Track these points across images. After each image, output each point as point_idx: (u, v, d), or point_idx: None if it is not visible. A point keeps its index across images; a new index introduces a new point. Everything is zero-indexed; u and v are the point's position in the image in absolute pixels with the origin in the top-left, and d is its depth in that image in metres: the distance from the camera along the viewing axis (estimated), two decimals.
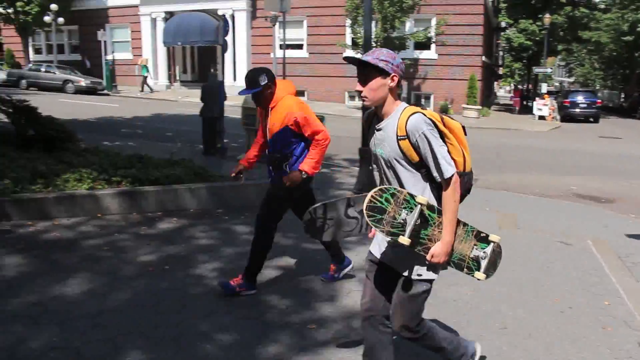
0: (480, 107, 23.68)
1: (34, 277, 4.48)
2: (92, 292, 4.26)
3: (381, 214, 2.62)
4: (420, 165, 2.67)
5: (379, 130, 2.74)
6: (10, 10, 28.76)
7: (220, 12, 25.72)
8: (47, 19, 27.22)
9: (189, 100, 22.21)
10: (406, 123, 2.60)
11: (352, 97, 25.15)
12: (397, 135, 2.63)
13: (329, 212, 3.29)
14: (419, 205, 2.62)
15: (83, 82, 25.83)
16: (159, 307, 4.06)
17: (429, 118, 2.63)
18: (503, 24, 33.38)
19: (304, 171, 4.19)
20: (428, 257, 2.66)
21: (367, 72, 2.66)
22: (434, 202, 2.70)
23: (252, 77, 4.17)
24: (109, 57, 27.94)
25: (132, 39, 29.87)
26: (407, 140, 2.61)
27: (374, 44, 18.67)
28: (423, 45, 23.65)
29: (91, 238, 5.47)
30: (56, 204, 6.07)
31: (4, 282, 4.37)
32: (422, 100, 24.64)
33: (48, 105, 10.11)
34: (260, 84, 4.12)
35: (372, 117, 2.83)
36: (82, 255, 5.00)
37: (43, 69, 26.83)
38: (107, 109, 19.26)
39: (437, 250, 2.65)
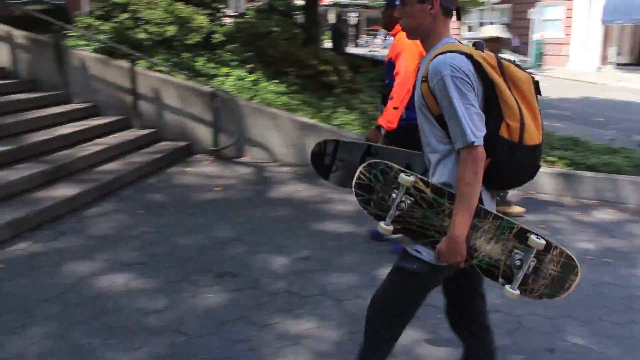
0: None
1: None
2: None
3: (370, 193, 2.13)
4: (445, 123, 1.98)
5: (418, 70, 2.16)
6: None
7: None
8: None
9: (624, 85, 20.22)
10: (431, 62, 1.97)
11: None
12: (422, 77, 2.02)
13: (341, 151, 2.68)
14: (402, 187, 2.06)
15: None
16: (601, 300, 3.82)
17: (470, 60, 1.95)
18: None
19: (380, 125, 3.71)
20: (437, 255, 2.02)
21: None
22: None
23: None
24: (536, 35, 27.64)
25: (565, 17, 28.81)
26: (427, 83, 1.98)
27: None
28: None
29: (528, 213, 5.49)
30: None
31: None
32: None
33: None
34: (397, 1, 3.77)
35: None
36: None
37: None
38: None
39: (441, 247, 2.00)
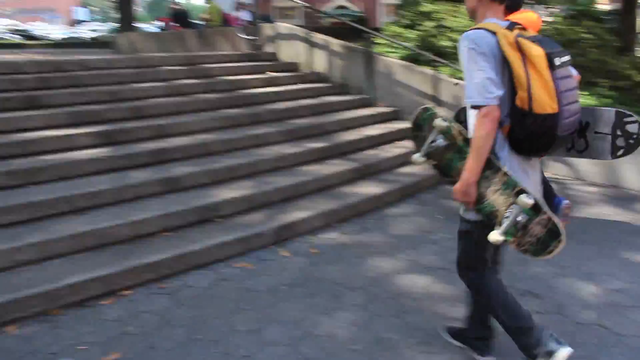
0: None
1: None
2: None
3: (420, 131, 2.66)
4: None
5: None
6: None
7: None
8: None
9: None
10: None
11: None
12: None
13: None
14: (435, 128, 2.56)
15: None
16: None
17: (494, 36, 2.29)
18: None
19: None
20: (452, 194, 2.48)
21: None
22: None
23: None
24: None
25: None
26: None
27: None
28: None
29: None
30: None
31: None
32: None
33: None
34: None
35: None
36: None
37: None
38: None
39: (456, 187, 2.44)
